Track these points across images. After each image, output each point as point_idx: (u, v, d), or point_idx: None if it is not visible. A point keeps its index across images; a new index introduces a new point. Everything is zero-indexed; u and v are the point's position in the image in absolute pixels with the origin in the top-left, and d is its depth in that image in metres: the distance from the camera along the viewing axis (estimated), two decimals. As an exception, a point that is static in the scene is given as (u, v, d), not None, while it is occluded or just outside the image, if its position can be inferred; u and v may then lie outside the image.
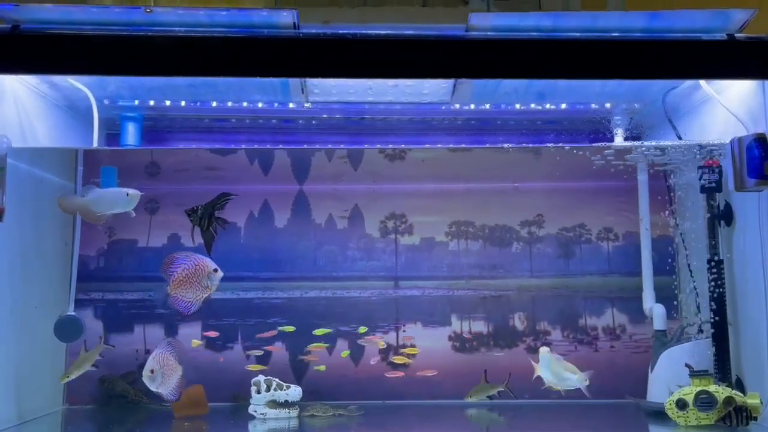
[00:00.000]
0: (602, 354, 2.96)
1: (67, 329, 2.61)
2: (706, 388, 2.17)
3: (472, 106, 2.87)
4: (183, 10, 2.07)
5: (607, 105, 2.85)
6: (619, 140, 2.88)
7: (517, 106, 2.84)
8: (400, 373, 2.83)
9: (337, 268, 3.03)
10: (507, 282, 3.03)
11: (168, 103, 2.81)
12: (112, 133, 2.95)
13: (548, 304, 3.01)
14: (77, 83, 2.52)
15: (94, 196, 2.34)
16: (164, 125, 3.01)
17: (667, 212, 2.75)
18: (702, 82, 2.42)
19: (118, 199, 2.35)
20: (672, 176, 2.76)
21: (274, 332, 2.82)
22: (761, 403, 2.16)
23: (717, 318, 2.40)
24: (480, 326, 2.99)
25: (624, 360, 2.93)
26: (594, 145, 2.72)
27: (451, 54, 2.08)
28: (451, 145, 3.07)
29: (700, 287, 2.57)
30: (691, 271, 2.64)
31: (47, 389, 2.65)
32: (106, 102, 2.73)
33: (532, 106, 2.85)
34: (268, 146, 3.08)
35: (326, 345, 2.82)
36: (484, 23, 2.11)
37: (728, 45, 2.11)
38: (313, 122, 3.03)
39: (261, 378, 2.55)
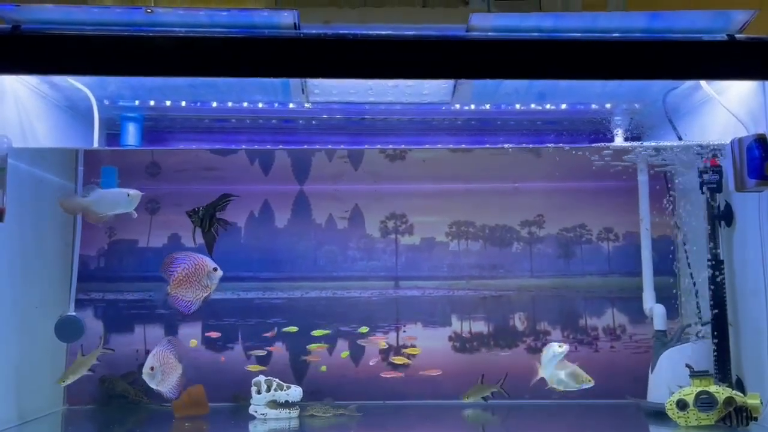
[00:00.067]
0: (602, 354, 2.96)
1: (67, 329, 2.61)
2: (706, 389, 2.18)
3: (473, 107, 2.87)
4: (183, 11, 2.07)
5: (608, 105, 2.85)
6: (619, 141, 2.88)
7: (518, 106, 2.84)
8: (399, 374, 2.83)
9: (337, 268, 3.03)
10: (507, 282, 3.03)
11: (168, 103, 2.81)
12: (113, 134, 2.95)
13: (548, 304, 3.01)
14: (78, 83, 2.52)
15: (95, 196, 2.34)
16: (165, 125, 3.01)
17: (667, 212, 2.75)
18: (702, 82, 2.42)
19: (120, 199, 2.35)
20: (672, 176, 2.76)
21: (275, 332, 2.82)
22: (761, 403, 2.16)
23: (717, 318, 2.40)
24: (480, 326, 2.99)
25: (624, 360, 2.93)
26: (594, 145, 2.73)
27: (452, 54, 2.08)
28: (452, 146, 3.07)
29: (700, 287, 2.57)
30: (691, 271, 2.64)
31: (47, 389, 2.65)
32: (106, 102, 2.73)
33: (533, 106, 2.85)
34: (269, 146, 3.08)
35: (326, 345, 2.82)
36: (485, 23, 2.10)
37: (729, 45, 2.11)
38: (314, 122, 3.03)
39: (261, 378, 2.55)
